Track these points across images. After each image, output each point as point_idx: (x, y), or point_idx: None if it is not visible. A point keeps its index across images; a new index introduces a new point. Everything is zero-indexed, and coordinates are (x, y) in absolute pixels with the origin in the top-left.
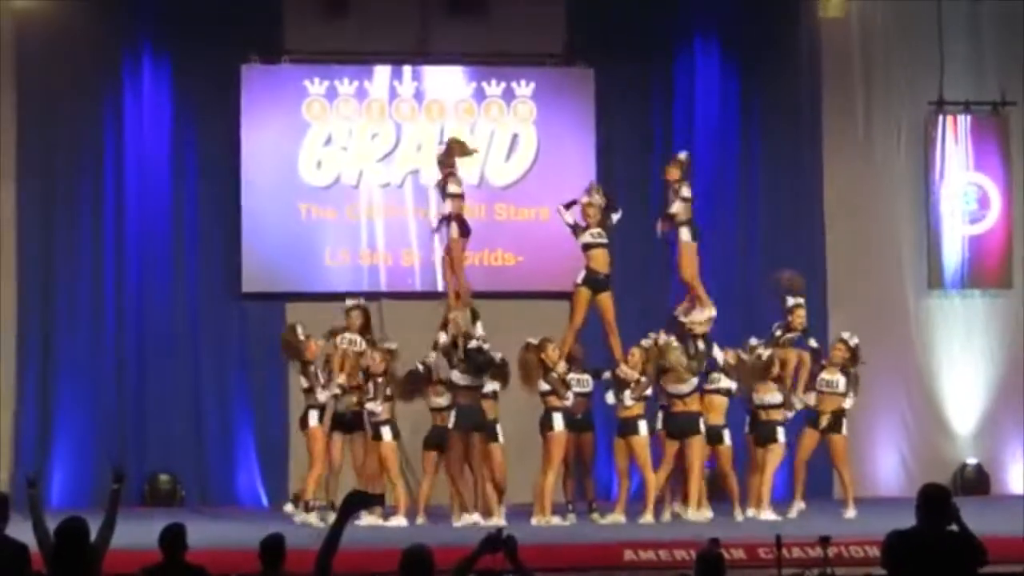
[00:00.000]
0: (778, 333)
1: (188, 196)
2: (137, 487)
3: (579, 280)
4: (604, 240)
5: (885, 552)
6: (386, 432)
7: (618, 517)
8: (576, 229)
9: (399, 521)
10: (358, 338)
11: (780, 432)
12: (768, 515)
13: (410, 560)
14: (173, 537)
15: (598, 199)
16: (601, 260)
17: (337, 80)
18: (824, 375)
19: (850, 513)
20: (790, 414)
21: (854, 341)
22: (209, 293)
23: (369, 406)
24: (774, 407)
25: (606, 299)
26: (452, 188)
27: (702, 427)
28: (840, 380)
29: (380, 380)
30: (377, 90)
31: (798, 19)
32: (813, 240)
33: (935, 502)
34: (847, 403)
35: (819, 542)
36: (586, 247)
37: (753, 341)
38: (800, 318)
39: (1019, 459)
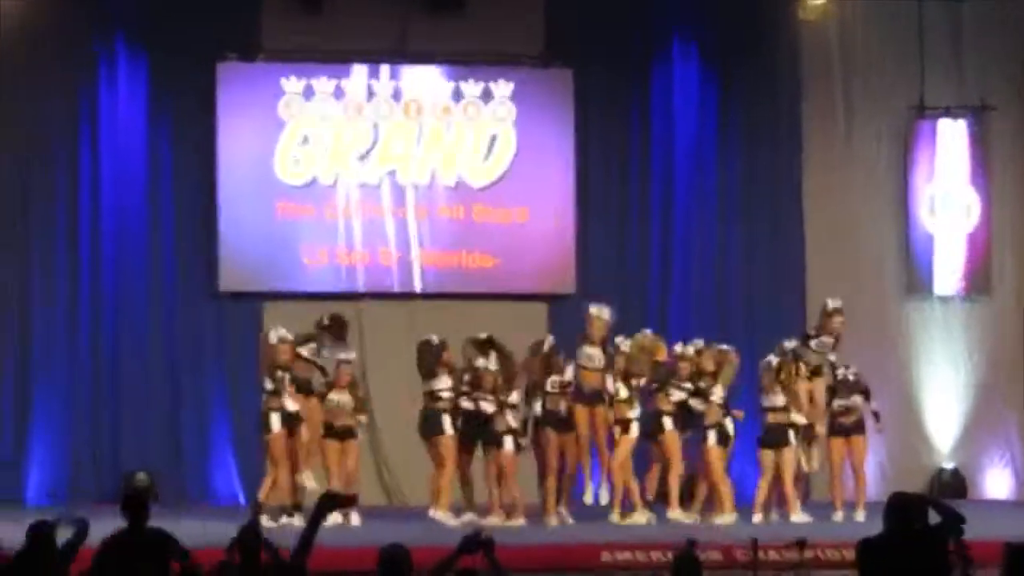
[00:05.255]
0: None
1: (164, 194)
2: (113, 484)
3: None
4: (600, 365)
5: (857, 557)
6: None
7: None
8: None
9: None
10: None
11: (791, 434)
12: (800, 517)
13: (387, 559)
14: (136, 500)
15: (606, 315)
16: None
17: (314, 79)
18: (838, 400)
19: (859, 516)
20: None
21: (849, 375)
22: (185, 292)
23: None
24: (781, 409)
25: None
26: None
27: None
28: (856, 397)
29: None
30: (354, 89)
31: (778, 23)
32: (792, 244)
33: (899, 510)
34: (873, 405)
35: (795, 545)
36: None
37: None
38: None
39: (996, 464)
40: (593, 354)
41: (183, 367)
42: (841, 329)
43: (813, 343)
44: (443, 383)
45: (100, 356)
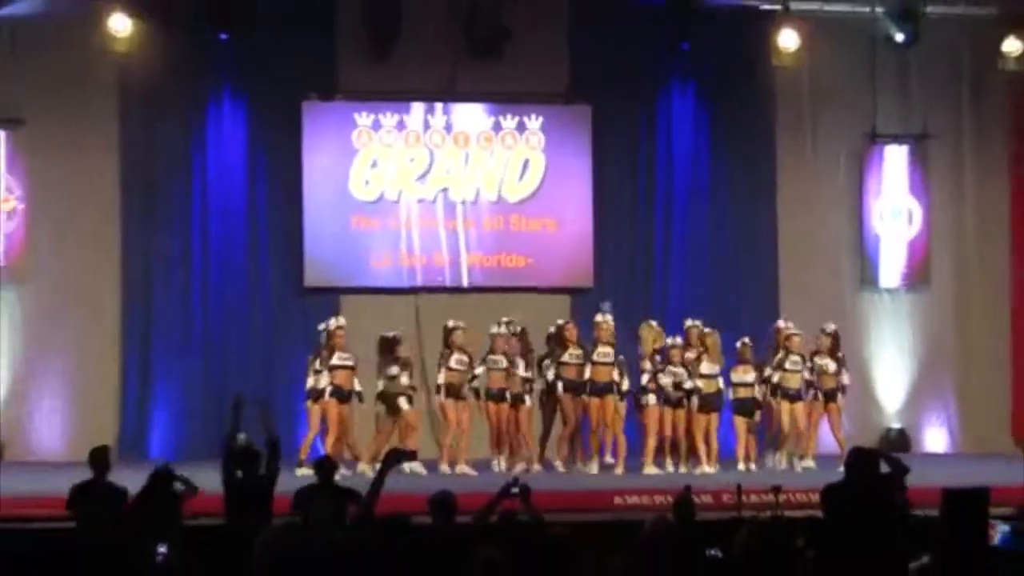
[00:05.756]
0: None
1: (260, 208)
2: (219, 444)
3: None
4: (610, 360)
5: (822, 500)
6: None
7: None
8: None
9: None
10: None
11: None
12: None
13: (437, 503)
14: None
15: (610, 320)
16: (604, 375)
17: (381, 114)
18: (816, 360)
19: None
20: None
21: (831, 328)
22: (277, 287)
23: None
24: (749, 385)
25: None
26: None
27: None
28: (830, 364)
29: None
30: (414, 122)
31: (759, 67)
32: (768, 245)
33: (857, 460)
34: (845, 379)
35: (772, 490)
36: (592, 363)
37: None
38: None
39: (934, 424)
40: (605, 351)
41: (276, 348)
42: (801, 345)
43: (787, 364)
44: (396, 369)
45: (209, 340)
